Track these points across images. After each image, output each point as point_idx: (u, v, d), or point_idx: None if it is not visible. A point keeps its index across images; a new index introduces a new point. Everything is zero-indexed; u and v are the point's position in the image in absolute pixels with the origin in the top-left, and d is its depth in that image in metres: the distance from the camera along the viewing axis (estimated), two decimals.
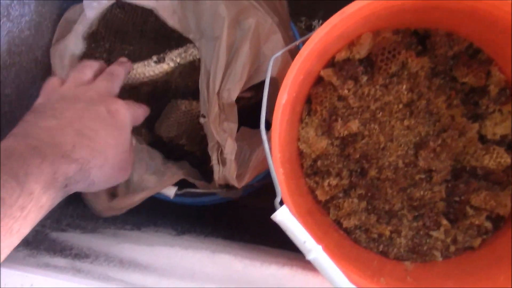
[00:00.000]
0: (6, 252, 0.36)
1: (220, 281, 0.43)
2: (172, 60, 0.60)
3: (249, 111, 0.63)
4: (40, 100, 0.50)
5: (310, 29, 0.96)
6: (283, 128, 0.52)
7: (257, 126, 0.63)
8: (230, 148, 0.55)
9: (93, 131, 0.46)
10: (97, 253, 0.46)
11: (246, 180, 0.56)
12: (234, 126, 0.56)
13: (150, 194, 0.59)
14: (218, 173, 0.56)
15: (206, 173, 0.67)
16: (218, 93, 0.55)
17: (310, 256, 0.40)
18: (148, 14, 0.63)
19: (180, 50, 0.60)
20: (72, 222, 0.58)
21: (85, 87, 0.51)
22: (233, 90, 0.55)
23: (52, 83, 0.52)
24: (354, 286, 0.39)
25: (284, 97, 0.49)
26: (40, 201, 0.38)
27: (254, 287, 0.44)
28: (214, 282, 0.42)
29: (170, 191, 0.59)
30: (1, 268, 0.37)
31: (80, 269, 0.40)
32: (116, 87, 0.55)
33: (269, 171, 0.61)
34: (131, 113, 0.53)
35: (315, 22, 0.96)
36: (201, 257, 0.48)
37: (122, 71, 0.57)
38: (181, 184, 0.62)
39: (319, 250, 0.40)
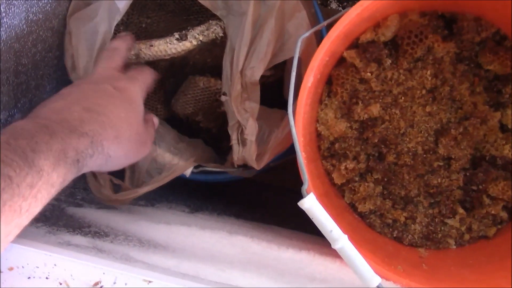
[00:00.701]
0: (15, 232, 0.35)
1: (240, 264, 0.43)
2: (194, 38, 0.58)
3: (267, 90, 0.62)
4: None
5: (326, 4, 0.94)
6: (306, 110, 0.51)
7: (275, 105, 0.62)
8: (251, 128, 0.54)
9: (101, 106, 0.45)
10: (116, 231, 0.45)
11: (265, 161, 0.56)
12: (256, 106, 0.55)
13: (156, 186, 0.58)
14: (238, 153, 0.55)
15: (221, 150, 0.66)
16: (241, 71, 0.54)
17: (336, 245, 0.39)
18: None
19: (203, 27, 0.59)
20: (86, 196, 0.57)
21: (88, 75, 0.51)
22: (257, 69, 0.53)
23: None
24: (379, 277, 0.39)
25: (310, 80, 0.48)
26: (50, 179, 0.37)
27: (272, 270, 0.44)
28: (235, 265, 0.42)
29: (186, 170, 0.58)
30: (22, 247, 0.37)
31: (101, 249, 0.39)
32: (118, 61, 0.54)
33: (286, 151, 0.61)
34: (139, 86, 0.52)
35: None
36: (219, 238, 0.47)
37: (121, 44, 0.55)
38: None
39: (345, 239, 0.40)
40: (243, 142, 0.55)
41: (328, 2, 0.94)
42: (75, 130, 0.40)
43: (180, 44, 0.57)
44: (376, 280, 0.39)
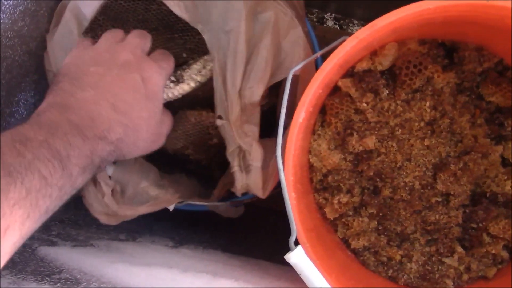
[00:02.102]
0: (35, 227, 0.36)
1: None
2: (192, 79, 0.54)
3: (262, 119, 0.59)
4: (71, 60, 0.48)
5: (322, 22, 0.91)
6: (297, 146, 0.48)
7: (270, 134, 0.59)
8: (256, 153, 0.50)
9: (128, 105, 0.46)
10: (89, 277, 0.42)
11: (270, 189, 0.51)
12: (256, 129, 0.51)
13: (145, 212, 0.55)
14: (241, 181, 0.51)
15: (212, 180, 0.62)
16: (240, 91, 0.50)
17: None
18: (151, 1, 0.58)
19: (199, 65, 0.55)
20: (62, 230, 0.53)
21: (118, 46, 0.50)
22: (256, 89, 0.50)
23: (84, 42, 0.50)
24: None
25: (301, 115, 0.45)
26: (76, 182, 0.39)
27: None
28: None
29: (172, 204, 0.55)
30: None
31: None
32: (148, 43, 0.53)
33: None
34: (165, 76, 0.51)
35: (327, 15, 0.91)
36: (201, 283, 0.44)
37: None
38: None
39: None
40: (246, 168, 0.51)
41: (325, 20, 0.91)
42: (103, 137, 0.43)
43: (177, 87, 0.54)
44: None
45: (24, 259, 0.43)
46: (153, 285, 0.43)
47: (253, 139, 0.52)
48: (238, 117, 0.51)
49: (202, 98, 0.58)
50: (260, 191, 0.52)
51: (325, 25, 0.91)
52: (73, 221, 0.57)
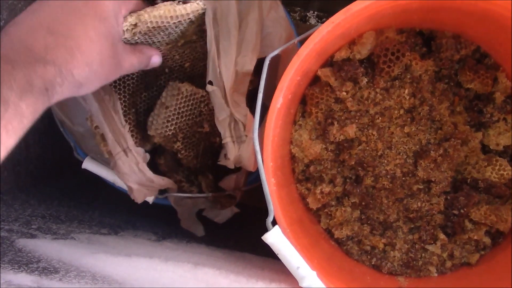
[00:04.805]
0: None
1: None
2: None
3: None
4: None
5: (304, 20, 0.92)
6: (276, 133, 0.48)
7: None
8: (251, 123, 0.48)
9: (69, 28, 0.42)
10: (68, 266, 0.41)
11: (255, 164, 0.51)
12: (243, 98, 0.50)
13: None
14: (234, 153, 0.50)
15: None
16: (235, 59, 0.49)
17: (303, 284, 0.36)
18: None
19: None
20: (43, 224, 0.53)
21: None
22: (250, 58, 0.49)
23: None
24: None
25: (279, 101, 0.45)
26: (19, 109, 0.36)
27: None
28: None
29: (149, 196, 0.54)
30: None
31: None
32: None
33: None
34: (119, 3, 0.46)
35: (310, 13, 0.92)
36: (183, 271, 0.44)
37: None
38: None
39: (313, 277, 0.36)
40: (238, 139, 0.50)
41: (307, 18, 0.92)
42: (39, 59, 0.39)
43: (189, 4, 0.49)
44: None
45: (2, 250, 0.42)
46: (134, 274, 0.43)
47: (246, 110, 0.51)
48: (232, 86, 0.50)
49: (189, 74, 0.57)
50: (251, 164, 0.51)
51: (308, 23, 0.92)
52: (54, 216, 0.56)
